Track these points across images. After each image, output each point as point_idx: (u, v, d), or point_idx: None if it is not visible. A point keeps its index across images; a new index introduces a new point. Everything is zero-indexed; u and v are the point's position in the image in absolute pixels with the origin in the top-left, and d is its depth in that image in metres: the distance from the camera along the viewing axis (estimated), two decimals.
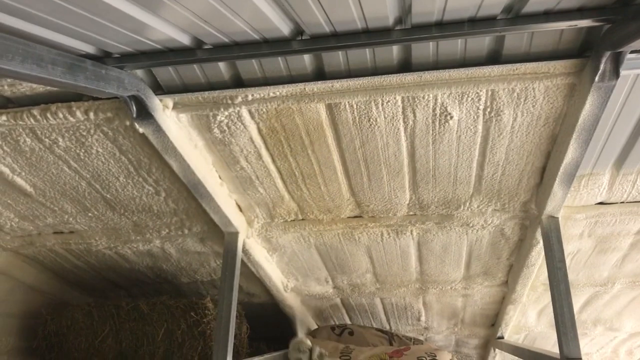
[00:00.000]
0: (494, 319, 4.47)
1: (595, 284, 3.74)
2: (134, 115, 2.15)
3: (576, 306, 4.08)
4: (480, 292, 3.98)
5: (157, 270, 3.83)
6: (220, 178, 2.78)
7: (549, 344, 4.74)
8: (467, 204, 2.90)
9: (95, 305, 3.81)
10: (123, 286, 4.15)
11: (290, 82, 2.11)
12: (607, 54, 1.82)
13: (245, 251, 3.27)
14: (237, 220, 3.04)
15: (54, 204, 2.98)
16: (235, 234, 3.10)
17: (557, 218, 2.81)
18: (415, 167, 2.64)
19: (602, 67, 1.87)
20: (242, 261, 3.29)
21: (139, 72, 2.10)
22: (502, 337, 4.43)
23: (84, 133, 2.38)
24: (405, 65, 2.05)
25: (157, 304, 3.70)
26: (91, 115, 2.23)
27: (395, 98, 2.16)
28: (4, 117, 2.25)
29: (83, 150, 2.52)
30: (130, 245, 3.43)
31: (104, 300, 3.92)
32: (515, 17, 1.75)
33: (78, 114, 2.22)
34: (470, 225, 3.06)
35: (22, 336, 3.82)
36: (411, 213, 3.06)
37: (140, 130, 2.24)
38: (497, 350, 4.79)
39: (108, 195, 2.89)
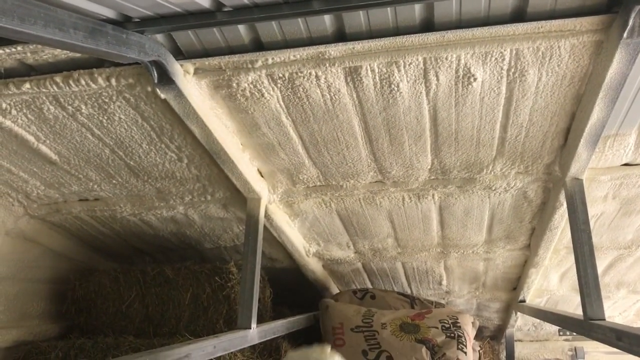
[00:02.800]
0: (515, 282, 4.47)
1: (619, 246, 3.71)
2: (156, 81, 2.15)
3: (599, 269, 4.04)
4: (502, 256, 3.97)
5: (181, 236, 3.89)
6: (241, 144, 2.79)
7: (571, 307, 4.74)
8: (490, 167, 2.88)
9: (122, 271, 3.89)
10: (148, 252, 4.22)
11: (310, 44, 2.09)
12: (637, 8, 1.77)
13: (267, 217, 3.30)
14: (259, 186, 3.06)
15: (78, 171, 3.02)
16: (257, 200, 3.12)
17: (582, 180, 2.78)
18: (438, 130, 2.61)
19: (630, 22, 1.81)
20: (265, 226, 3.32)
21: (159, 37, 2.09)
22: (523, 301, 4.44)
23: (106, 100, 2.40)
24: (428, 25, 2.02)
25: (182, 269, 3.75)
26: (113, 81, 2.24)
27: (417, 59, 2.13)
28: (27, 85, 2.27)
29: (106, 117, 2.53)
30: (154, 212, 3.48)
31: (129, 266, 3.99)
32: None
33: (100, 80, 2.23)
34: (493, 188, 3.04)
35: (52, 301, 3.92)
36: (433, 177, 3.04)
37: (162, 96, 2.25)
38: (518, 313, 4.80)
39: (131, 162, 2.92)
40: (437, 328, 4.04)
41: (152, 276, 3.78)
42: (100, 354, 3.33)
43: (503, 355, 5.60)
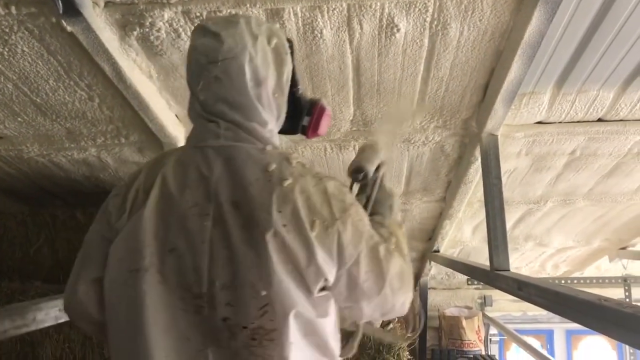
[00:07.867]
0: (431, 233, 4.61)
1: (529, 201, 3.89)
2: (60, 12, 1.97)
3: (509, 223, 4.24)
4: (419, 208, 4.07)
5: (94, 179, 3.72)
6: (157, 87, 2.66)
7: (482, 257, 4.92)
8: (410, 120, 2.90)
9: (30, 214, 3.70)
10: (59, 195, 4.03)
11: None
12: None
13: None
14: (176, 130, 2.94)
15: None
16: (173, 145, 3.01)
17: (497, 136, 2.85)
18: (360, 81, 2.59)
19: None
20: None
21: None
22: (437, 251, 4.60)
23: (7, 30, 2.19)
24: None
25: (94, 213, 3.59)
26: (13, 9, 2.04)
27: (341, 5, 2.07)
28: None
29: (7, 49, 2.33)
30: (65, 154, 3.29)
31: (38, 209, 3.81)
32: None
33: None
34: (412, 141, 3.07)
35: None
36: (354, 128, 3.03)
37: (68, 28, 2.07)
38: (432, 262, 4.98)
39: (38, 100, 2.73)
40: None
41: (62, 220, 3.62)
42: (5, 298, 3.20)
43: (417, 302, 5.82)
